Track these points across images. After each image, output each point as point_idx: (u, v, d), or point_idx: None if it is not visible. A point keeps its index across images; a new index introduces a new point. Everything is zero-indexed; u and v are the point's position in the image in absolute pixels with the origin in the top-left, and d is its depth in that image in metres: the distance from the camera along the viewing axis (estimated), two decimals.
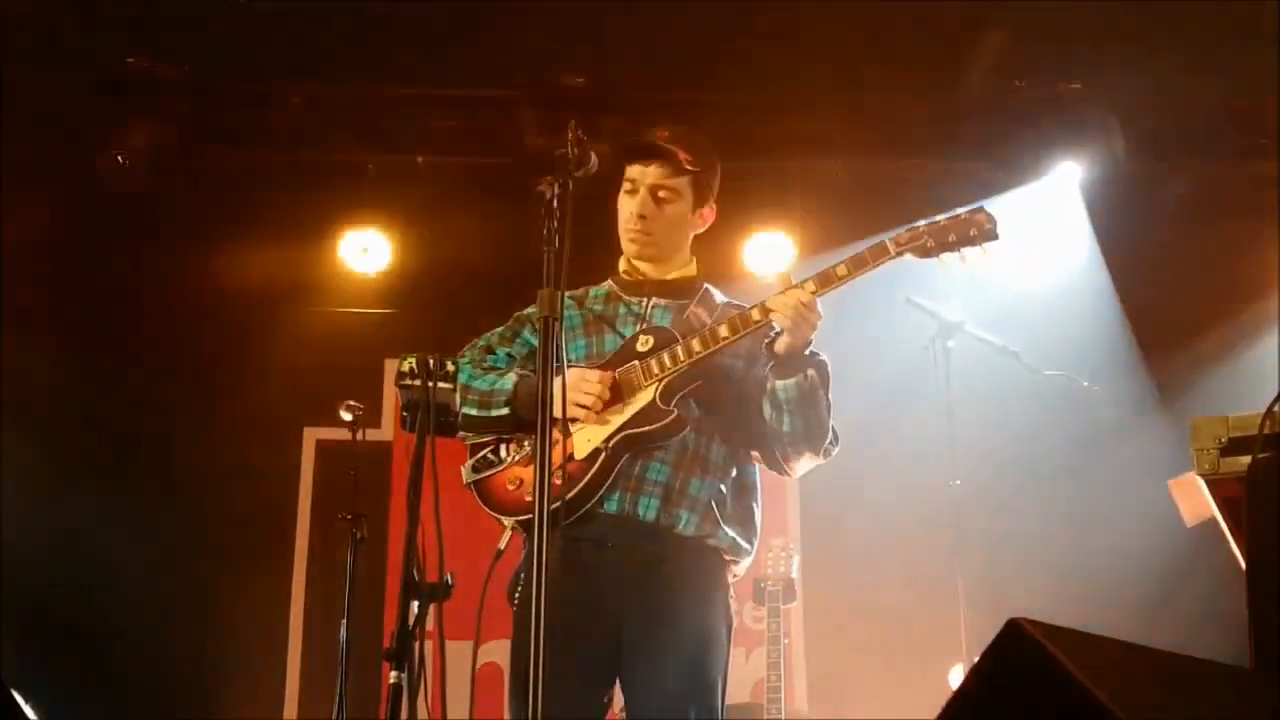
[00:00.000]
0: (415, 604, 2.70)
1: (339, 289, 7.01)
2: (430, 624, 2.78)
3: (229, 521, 6.73)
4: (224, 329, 6.93)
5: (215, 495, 6.75)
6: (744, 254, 6.90)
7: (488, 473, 3.58)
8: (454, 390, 2.88)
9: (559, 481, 3.25)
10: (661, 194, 3.70)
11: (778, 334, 3.47)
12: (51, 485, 6.41)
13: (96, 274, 6.82)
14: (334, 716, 5.02)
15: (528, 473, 3.42)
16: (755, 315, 3.50)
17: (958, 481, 5.50)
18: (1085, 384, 5.89)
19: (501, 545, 3.36)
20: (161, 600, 6.45)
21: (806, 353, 3.50)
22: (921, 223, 3.57)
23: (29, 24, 5.84)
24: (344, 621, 5.11)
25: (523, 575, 3.41)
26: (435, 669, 2.83)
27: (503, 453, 3.58)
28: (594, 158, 3.36)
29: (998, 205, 6.62)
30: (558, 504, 2.95)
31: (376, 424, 6.51)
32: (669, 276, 3.79)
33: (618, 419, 3.49)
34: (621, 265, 3.81)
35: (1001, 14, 5.96)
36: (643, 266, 3.76)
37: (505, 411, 3.53)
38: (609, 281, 3.85)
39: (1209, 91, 6.38)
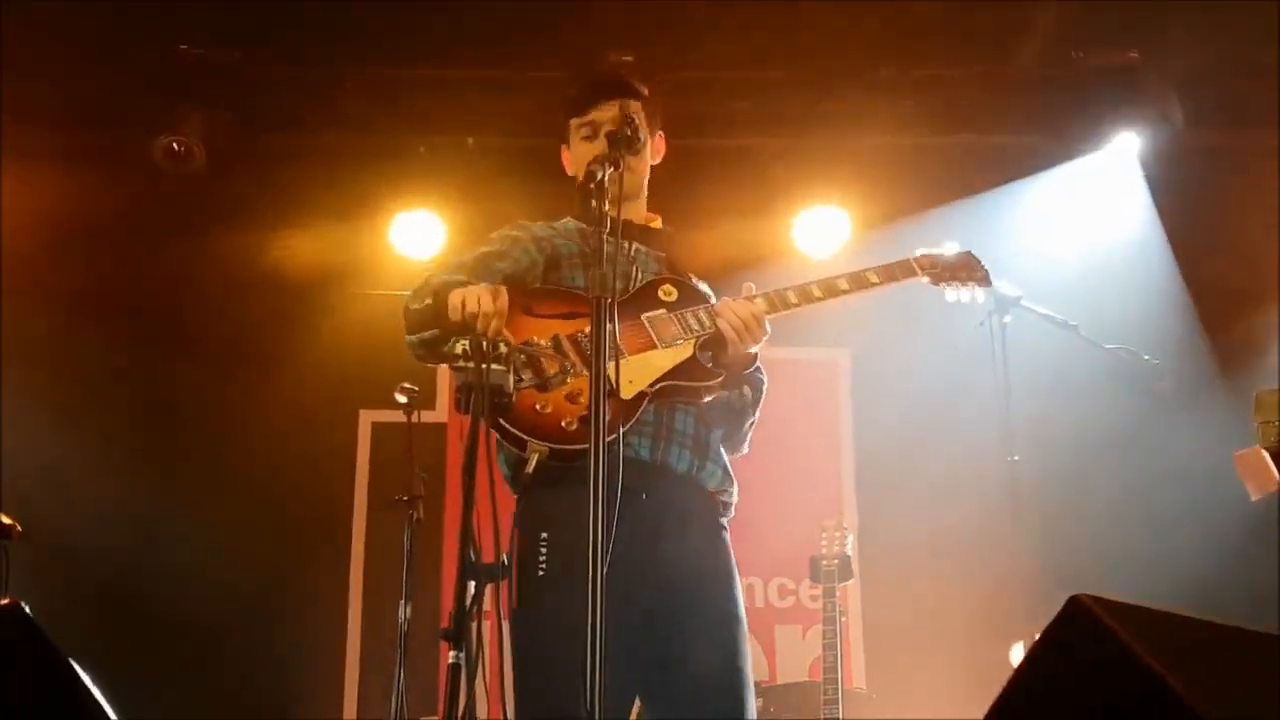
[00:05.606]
0: (472, 584, 2.70)
1: (393, 271, 7.02)
2: (487, 604, 2.78)
3: (286, 504, 6.79)
4: (279, 313, 6.97)
5: (272, 478, 6.80)
6: (793, 232, 6.84)
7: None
8: (508, 372, 2.86)
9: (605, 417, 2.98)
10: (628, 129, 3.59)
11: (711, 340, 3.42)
12: (106, 472, 6.48)
13: (151, 259, 6.86)
14: (393, 696, 5.07)
15: (554, 397, 3.21)
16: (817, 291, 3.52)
17: (1016, 457, 5.44)
18: (1146, 357, 5.81)
19: (529, 469, 3.10)
20: (219, 584, 6.51)
21: (748, 370, 3.50)
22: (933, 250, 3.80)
23: (83, 11, 5.89)
24: (402, 602, 5.15)
25: (545, 535, 3.21)
26: (493, 649, 2.83)
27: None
28: (645, 137, 3.34)
29: (1055, 177, 6.66)
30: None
31: (431, 405, 6.54)
32: (651, 224, 3.69)
33: (659, 364, 3.36)
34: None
35: None
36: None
37: (429, 301, 3.31)
38: (570, 219, 3.71)
39: (1268, 59, 6.27)
